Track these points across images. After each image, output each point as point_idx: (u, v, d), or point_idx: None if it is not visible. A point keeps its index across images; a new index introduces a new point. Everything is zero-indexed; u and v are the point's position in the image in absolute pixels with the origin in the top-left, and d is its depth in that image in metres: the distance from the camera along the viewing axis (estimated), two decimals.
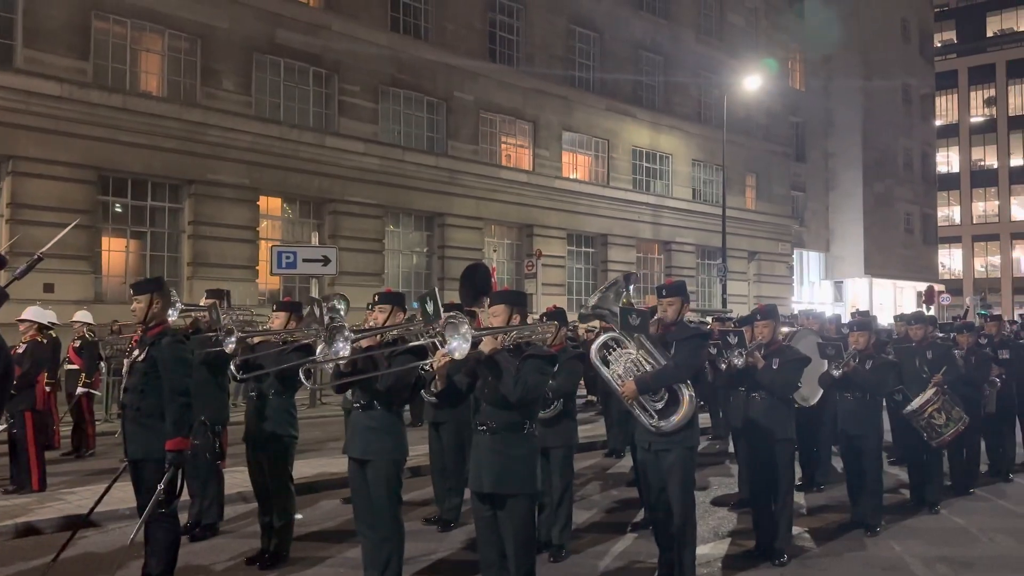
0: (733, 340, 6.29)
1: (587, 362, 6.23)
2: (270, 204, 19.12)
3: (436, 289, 5.18)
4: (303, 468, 8.72)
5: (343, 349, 4.56)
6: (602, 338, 5.20)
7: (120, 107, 16.11)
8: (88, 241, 15.86)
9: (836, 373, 6.90)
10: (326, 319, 5.46)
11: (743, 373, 6.21)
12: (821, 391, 7.75)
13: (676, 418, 5.00)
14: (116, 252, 16.81)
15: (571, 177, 25.70)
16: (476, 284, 9.21)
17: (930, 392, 7.53)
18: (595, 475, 9.39)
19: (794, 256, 34.89)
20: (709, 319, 20.62)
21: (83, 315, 11.01)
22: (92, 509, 5.48)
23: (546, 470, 5.78)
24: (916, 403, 7.54)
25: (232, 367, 6.04)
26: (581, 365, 6.28)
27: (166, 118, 16.70)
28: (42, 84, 15.18)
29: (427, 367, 4.75)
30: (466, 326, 4.09)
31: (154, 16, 16.90)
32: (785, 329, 9.55)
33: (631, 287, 5.58)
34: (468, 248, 22.10)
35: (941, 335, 9.38)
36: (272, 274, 15.92)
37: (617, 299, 5.31)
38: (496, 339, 4.36)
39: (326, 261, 15.66)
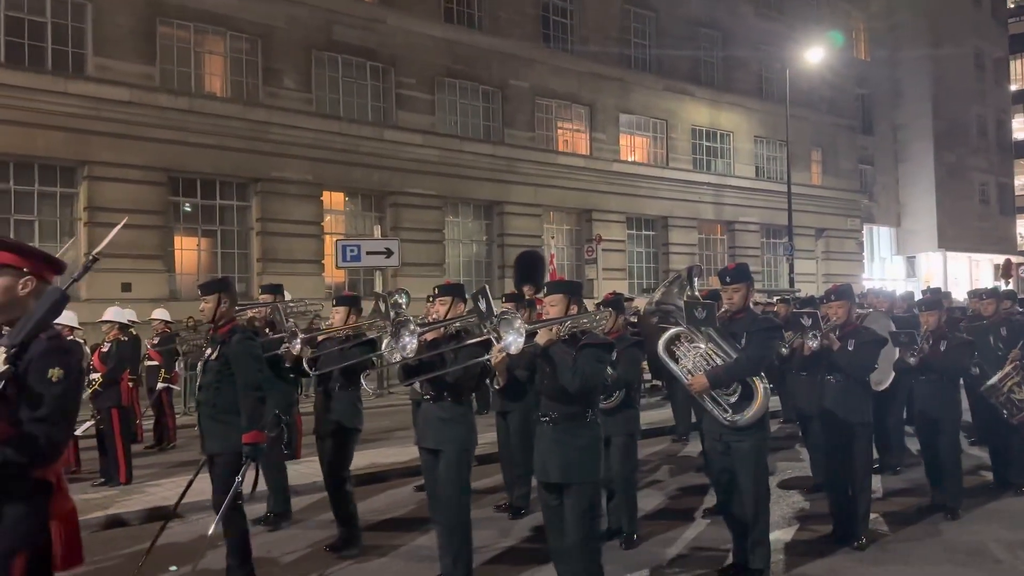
0: (807, 322, 6.08)
1: (648, 347, 6.20)
2: (333, 199, 19.47)
3: (487, 287, 5.18)
4: (374, 457, 8.91)
5: (410, 344, 4.63)
6: (669, 332, 5.10)
7: (187, 109, 16.59)
8: (161, 241, 16.42)
9: (912, 361, 6.72)
10: (391, 314, 5.52)
11: (816, 356, 6.02)
12: (893, 374, 7.52)
13: (751, 412, 4.89)
14: (188, 251, 17.36)
15: (629, 160, 25.47)
16: (524, 271, 9.18)
17: (1008, 367, 7.26)
18: (663, 460, 9.36)
19: (864, 232, 33.94)
20: (775, 299, 20.29)
21: (160, 313, 11.41)
22: (178, 503, 5.71)
23: (610, 458, 5.79)
24: (994, 379, 7.28)
25: (304, 363, 6.17)
26: (642, 353, 6.23)
27: (231, 118, 17.14)
28: (112, 90, 15.73)
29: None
30: (519, 320, 4.13)
31: (215, 19, 17.32)
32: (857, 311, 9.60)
33: (696, 280, 5.25)
34: (527, 235, 22.13)
35: (1022, 310, 8.97)
36: (337, 267, 16.25)
37: (681, 293, 5.19)
38: (551, 330, 4.35)
39: (389, 253, 15.91)
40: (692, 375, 5.02)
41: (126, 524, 6.88)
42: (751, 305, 5.32)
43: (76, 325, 8.53)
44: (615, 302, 6.36)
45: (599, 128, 24.51)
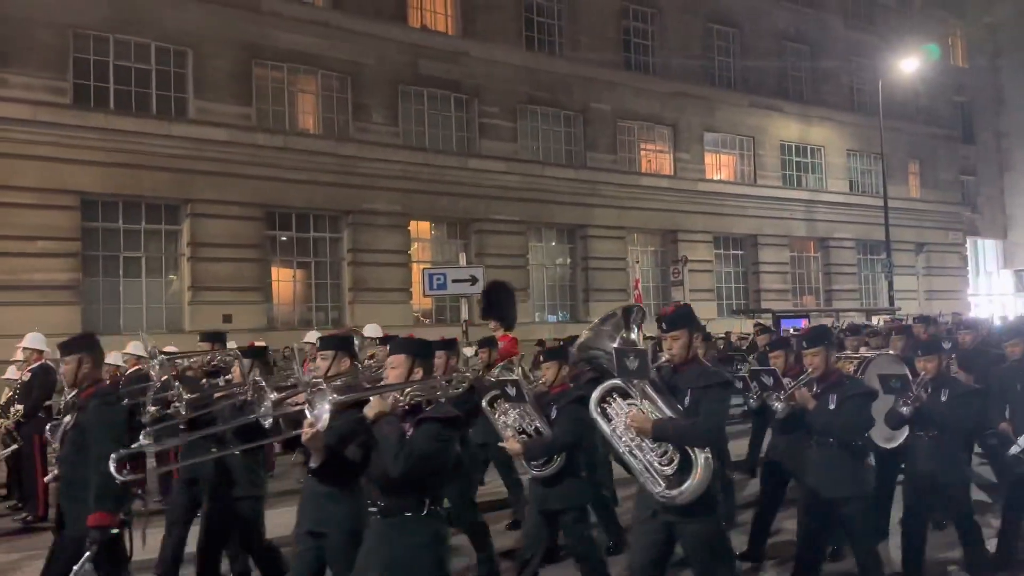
0: (768, 381, 5.20)
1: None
2: (419, 228, 19.94)
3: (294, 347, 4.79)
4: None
5: (323, 414, 3.60)
6: (603, 387, 4.28)
7: (281, 147, 17.35)
8: (260, 273, 17.17)
9: (905, 411, 5.60)
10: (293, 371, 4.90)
11: (793, 416, 5.06)
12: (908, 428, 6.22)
13: (690, 487, 3.98)
14: (284, 282, 18.09)
15: (715, 178, 25.13)
16: (488, 303, 8.44)
17: None
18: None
19: (967, 245, 32.38)
20: (877, 320, 19.56)
21: (134, 347, 10.99)
22: None
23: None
24: (1022, 442, 6.05)
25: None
26: (586, 409, 5.72)
27: (323, 154, 17.82)
28: (212, 131, 16.60)
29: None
30: (332, 391, 3.53)
31: (307, 59, 18.08)
32: (866, 351, 8.31)
33: (636, 322, 4.46)
34: (611, 258, 22.12)
35: None
36: (424, 295, 16.60)
37: (615, 336, 4.40)
38: (386, 399, 3.65)
39: (474, 280, 16.13)
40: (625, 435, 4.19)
41: None
42: (700, 355, 4.51)
43: (142, 353, 8.15)
44: (558, 352, 5.76)
45: (683, 147, 24.30)
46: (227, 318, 16.16)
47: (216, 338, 6.57)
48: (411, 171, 18.92)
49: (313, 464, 3.68)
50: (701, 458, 3.99)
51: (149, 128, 15.94)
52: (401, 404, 3.72)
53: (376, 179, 18.45)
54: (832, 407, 4.98)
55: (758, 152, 25.94)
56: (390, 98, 19.17)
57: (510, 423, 5.38)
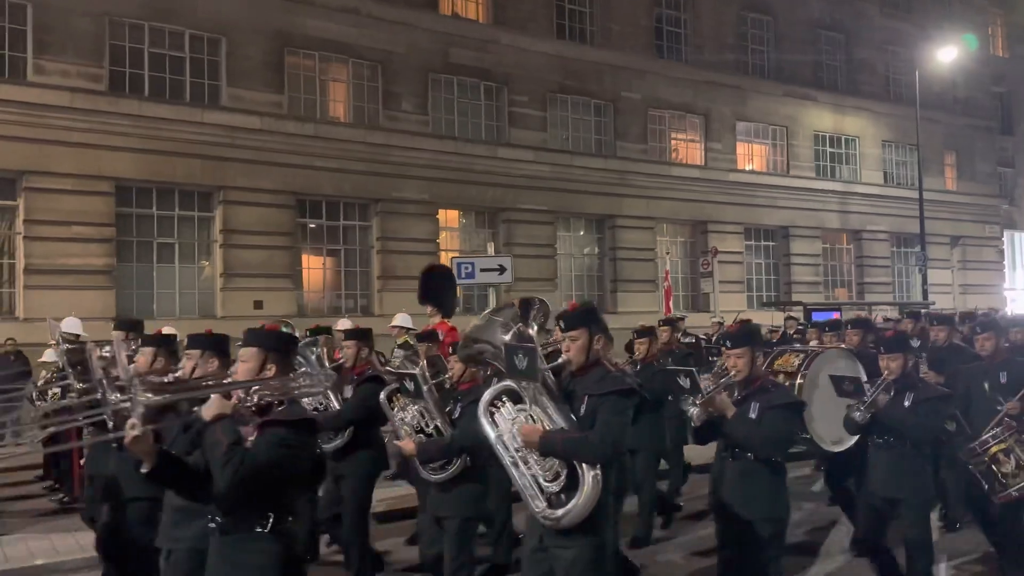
0: (685, 382, 4.66)
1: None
2: (448, 216, 19.97)
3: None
4: None
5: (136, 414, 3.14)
6: (495, 388, 3.86)
7: (312, 135, 17.44)
8: (290, 260, 17.31)
9: (858, 417, 5.06)
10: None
11: (709, 425, 4.54)
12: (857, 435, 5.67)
13: (573, 508, 3.55)
14: (314, 269, 18.23)
15: (747, 169, 24.86)
16: (424, 288, 8.01)
17: (995, 425, 5.56)
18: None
19: (1004, 239, 31.74)
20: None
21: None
22: None
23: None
24: (979, 440, 5.64)
25: None
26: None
27: (353, 142, 17.88)
28: (245, 119, 16.72)
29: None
30: (141, 389, 3.10)
31: (339, 47, 18.13)
32: (814, 344, 8.03)
33: (537, 318, 4.03)
34: (640, 248, 22.00)
35: None
36: None
37: (507, 329, 3.90)
38: (229, 398, 3.24)
39: (502, 270, 16.12)
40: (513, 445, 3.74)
41: None
42: (607, 362, 4.08)
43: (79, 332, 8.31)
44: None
45: (715, 137, 24.06)
46: (258, 304, 16.34)
47: (132, 327, 6.18)
48: (440, 160, 18.94)
49: (144, 469, 3.18)
50: (589, 476, 3.57)
51: (183, 115, 16.09)
52: (248, 405, 3.27)
53: (405, 167, 18.49)
54: (753, 416, 4.41)
55: (791, 142, 25.61)
56: (420, 86, 19.17)
57: (408, 420, 5.05)
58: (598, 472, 3.58)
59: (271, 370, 3.39)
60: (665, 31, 23.43)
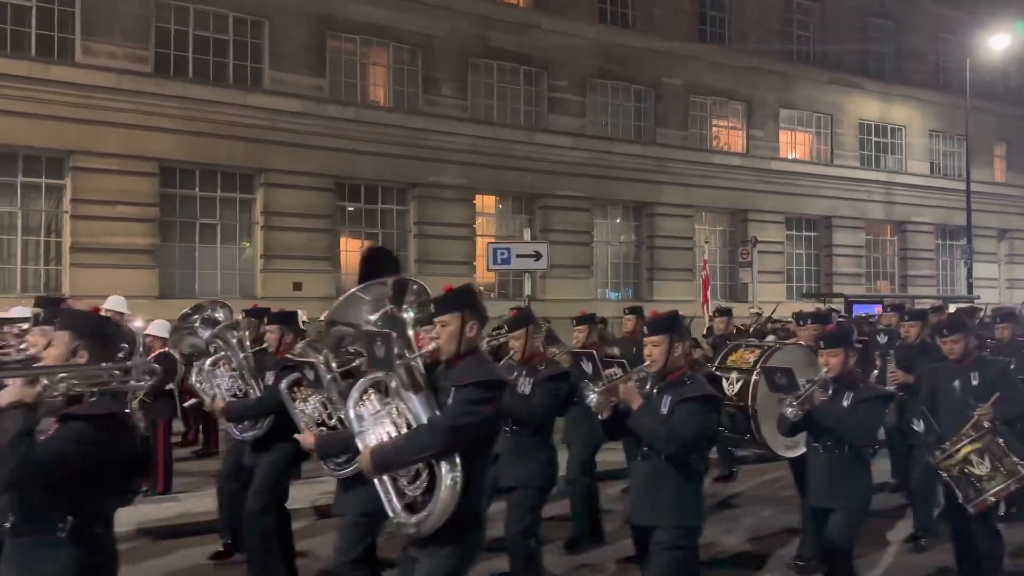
0: (587, 367, 4.31)
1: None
2: (485, 202, 19.97)
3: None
4: None
5: None
6: (365, 379, 3.48)
7: (352, 119, 17.52)
8: (329, 243, 17.47)
9: (789, 412, 4.68)
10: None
11: (617, 416, 4.11)
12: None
13: (431, 511, 3.21)
14: (352, 252, 18.33)
15: (789, 157, 24.46)
16: (366, 274, 7.60)
17: (969, 427, 5.13)
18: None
19: None
20: (951, 307, 18.86)
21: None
22: None
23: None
24: (947, 445, 5.19)
25: None
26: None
27: (392, 126, 17.93)
28: (286, 102, 16.85)
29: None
30: None
31: (380, 31, 18.16)
32: (772, 339, 7.77)
33: (412, 302, 3.61)
34: (678, 237, 21.82)
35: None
36: (488, 270, 16.66)
37: (376, 309, 3.53)
38: (32, 386, 2.87)
39: (538, 256, 16.10)
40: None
41: None
42: (482, 351, 3.75)
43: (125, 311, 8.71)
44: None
45: (757, 125, 23.70)
46: (297, 286, 16.53)
47: (51, 303, 5.86)
48: (478, 145, 18.92)
49: None
50: (448, 477, 3.20)
51: (226, 97, 16.26)
52: (54, 395, 2.96)
53: (443, 152, 18.51)
54: (664, 411, 4.00)
55: (836, 131, 25.14)
56: (460, 71, 19.14)
57: (309, 412, 4.73)
58: (457, 473, 3.20)
59: (82, 357, 3.10)
60: (708, 16, 23.08)
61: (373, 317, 3.52)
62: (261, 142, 16.55)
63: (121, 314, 9.20)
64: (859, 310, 18.29)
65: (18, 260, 14.95)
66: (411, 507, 3.28)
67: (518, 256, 16.16)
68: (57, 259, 15.27)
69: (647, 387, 4.16)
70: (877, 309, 18.42)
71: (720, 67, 22.81)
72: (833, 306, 17.57)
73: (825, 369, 4.78)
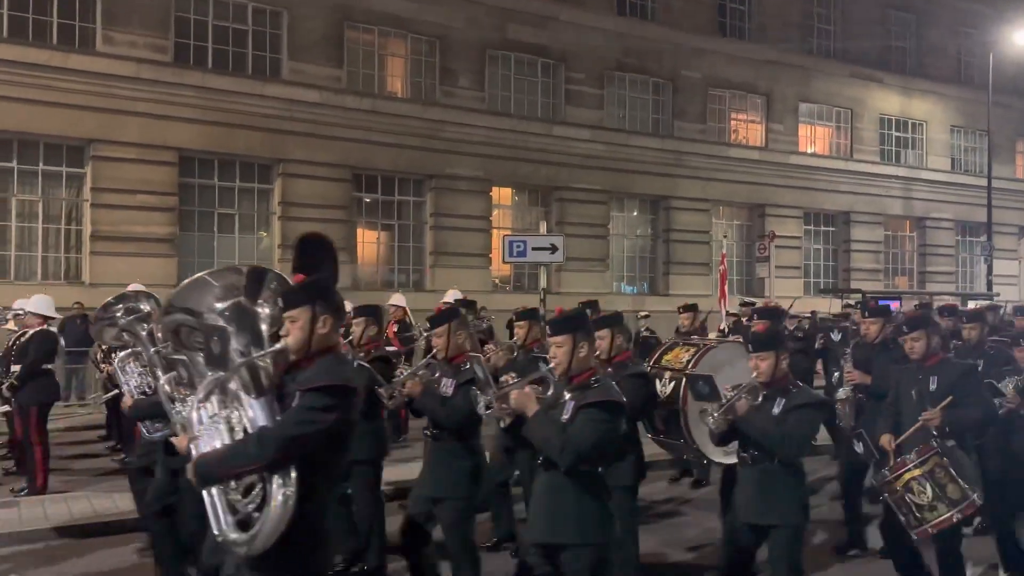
0: (479, 372, 4.16)
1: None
2: (501, 194, 19.95)
3: None
4: None
5: None
6: (209, 380, 3.09)
7: (370, 110, 17.54)
8: (346, 234, 17.50)
9: (711, 423, 4.34)
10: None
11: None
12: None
13: (259, 529, 2.87)
14: (369, 243, 18.42)
15: (808, 151, 24.30)
16: (300, 260, 7.23)
17: (914, 455, 4.68)
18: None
19: None
20: (972, 303, 18.69)
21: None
22: None
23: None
24: (887, 469, 4.79)
25: None
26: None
27: (409, 118, 17.94)
28: (304, 93, 16.89)
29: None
30: None
31: (398, 22, 18.16)
32: (713, 336, 7.29)
33: (268, 297, 3.19)
34: (694, 231, 21.73)
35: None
36: (504, 262, 16.67)
37: (227, 297, 3.14)
38: None
39: (554, 249, 16.05)
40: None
41: None
42: (335, 347, 3.27)
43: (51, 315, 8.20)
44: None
45: (776, 118, 23.54)
46: None
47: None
48: (495, 137, 18.90)
49: None
50: (279, 493, 2.86)
51: (244, 88, 16.32)
52: None
53: (460, 144, 18.50)
54: (566, 417, 3.69)
55: (855, 125, 24.93)
56: (477, 63, 19.11)
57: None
58: (290, 489, 2.87)
59: None
60: (728, 8, 22.92)
61: (220, 306, 3.10)
62: (279, 132, 16.60)
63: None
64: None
65: (39, 248, 15.10)
66: (243, 524, 2.92)
67: (534, 249, 16.11)
68: (77, 247, 15.42)
69: (549, 391, 3.82)
70: (894, 305, 18.31)
71: (739, 60, 22.66)
72: (777, 303, 17.06)
73: (755, 374, 4.37)
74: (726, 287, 18.04)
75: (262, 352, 3.06)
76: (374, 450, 5.74)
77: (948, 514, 4.54)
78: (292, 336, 3.09)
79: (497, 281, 19.47)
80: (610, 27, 20.66)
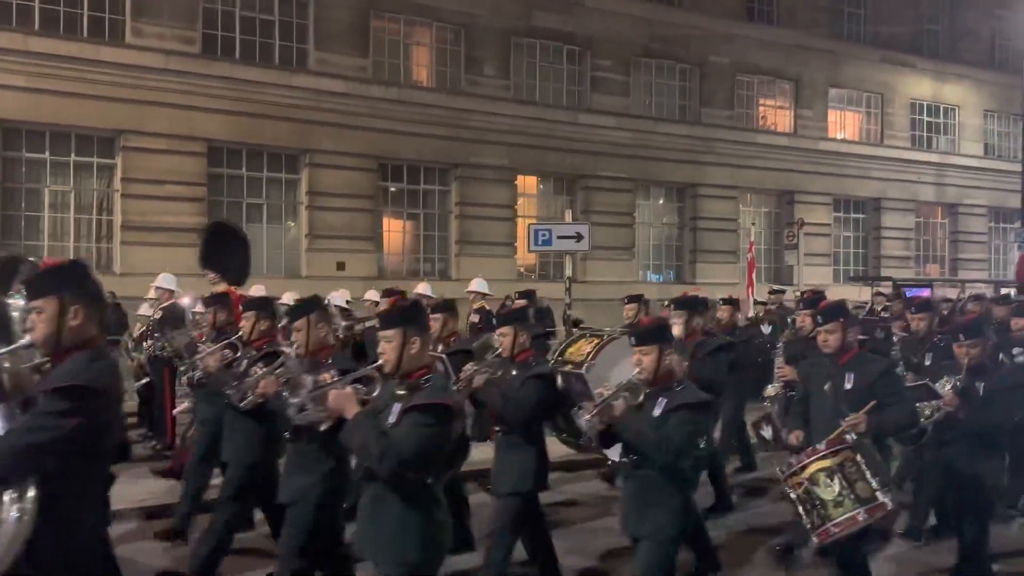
0: (439, 367, 4.03)
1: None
2: (526, 183, 19.91)
3: None
4: None
5: None
6: None
7: (396, 99, 17.57)
8: (372, 223, 17.60)
9: (586, 425, 4.05)
10: None
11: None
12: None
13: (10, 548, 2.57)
14: (395, 232, 18.48)
15: (838, 137, 23.96)
16: (207, 250, 6.83)
17: (824, 445, 4.27)
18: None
19: None
20: (1004, 291, 18.33)
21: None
22: None
23: None
24: (793, 458, 4.40)
25: None
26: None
27: (435, 107, 17.94)
28: (330, 83, 16.95)
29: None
30: None
31: (423, 11, 18.14)
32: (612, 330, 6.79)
33: (16, 286, 2.93)
34: (722, 219, 21.55)
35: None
36: (529, 251, 16.62)
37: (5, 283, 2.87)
38: None
39: (579, 237, 15.98)
40: None
41: None
42: (92, 343, 2.90)
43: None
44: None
45: (805, 104, 23.24)
46: (341, 266, 16.70)
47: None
48: (520, 125, 18.84)
49: None
50: (13, 508, 2.52)
51: (271, 78, 16.40)
52: None
53: (485, 132, 18.48)
54: (391, 421, 3.42)
55: (886, 110, 24.54)
56: (502, 51, 19.05)
57: None
58: (26, 504, 2.53)
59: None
60: None
61: None
62: (306, 122, 16.67)
63: (171, 291, 9.45)
64: (908, 294, 17.89)
65: (71, 238, 15.34)
66: None
67: (559, 237, 16.03)
68: (108, 237, 15.63)
69: (375, 390, 3.57)
70: (926, 293, 18.01)
71: (768, 45, 22.37)
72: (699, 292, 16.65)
73: (637, 370, 3.96)
74: (754, 275, 17.92)
75: (2, 350, 2.72)
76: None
77: (852, 513, 4.07)
78: (38, 329, 2.74)
79: (522, 270, 19.45)
80: (636, 13, 20.48)
